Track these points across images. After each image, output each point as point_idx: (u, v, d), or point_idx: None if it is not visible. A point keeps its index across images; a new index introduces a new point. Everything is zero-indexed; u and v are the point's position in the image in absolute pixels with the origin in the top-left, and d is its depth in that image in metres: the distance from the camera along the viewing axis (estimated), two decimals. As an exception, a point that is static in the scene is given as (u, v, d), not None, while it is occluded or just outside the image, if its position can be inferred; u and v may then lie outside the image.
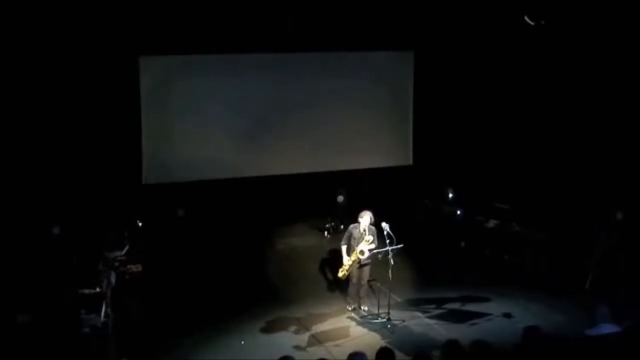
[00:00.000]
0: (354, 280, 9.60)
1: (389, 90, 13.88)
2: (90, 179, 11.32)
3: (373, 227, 9.45)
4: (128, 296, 8.99)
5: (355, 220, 9.60)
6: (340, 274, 9.68)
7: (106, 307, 8.44)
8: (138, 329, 8.74)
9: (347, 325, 9.30)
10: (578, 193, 11.23)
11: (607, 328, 6.11)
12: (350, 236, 9.55)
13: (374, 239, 9.38)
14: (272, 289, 10.50)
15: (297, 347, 8.55)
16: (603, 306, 6.29)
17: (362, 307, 9.70)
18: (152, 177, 12.21)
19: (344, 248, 9.61)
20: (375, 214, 9.53)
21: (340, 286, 10.14)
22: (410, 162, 14.19)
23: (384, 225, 9.21)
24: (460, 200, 12.81)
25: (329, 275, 10.75)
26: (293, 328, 9.20)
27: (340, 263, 9.66)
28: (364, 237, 9.38)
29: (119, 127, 11.58)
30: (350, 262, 9.50)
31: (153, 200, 11.85)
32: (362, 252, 9.36)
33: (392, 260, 9.10)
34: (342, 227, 12.39)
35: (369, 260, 9.48)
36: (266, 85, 12.88)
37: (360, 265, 9.51)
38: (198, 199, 12.20)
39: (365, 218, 9.41)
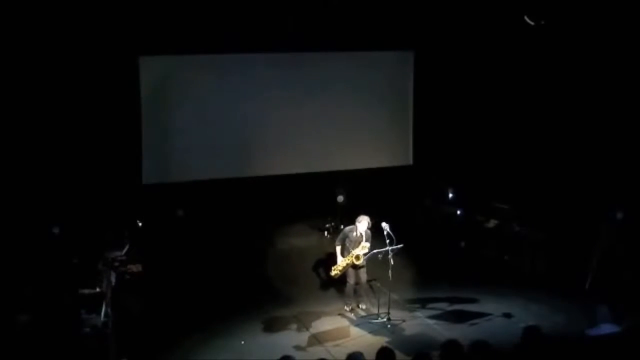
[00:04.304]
0: (351, 280, 9.61)
1: (389, 90, 13.87)
2: (90, 179, 11.32)
3: (369, 232, 9.44)
4: (128, 296, 8.99)
5: (354, 221, 9.59)
6: (332, 273, 9.70)
7: (106, 307, 8.44)
8: (138, 329, 8.74)
9: (347, 325, 9.30)
10: (578, 193, 11.23)
11: (607, 328, 6.12)
12: (345, 238, 9.56)
13: (373, 247, 9.35)
14: (272, 289, 10.50)
15: (297, 347, 8.56)
16: (603, 306, 6.30)
17: (360, 306, 9.71)
18: (152, 177, 12.21)
19: (338, 248, 9.62)
20: (375, 214, 9.53)
21: (341, 286, 10.13)
22: (410, 162, 14.19)
23: (384, 225, 9.21)
24: (460, 200, 12.81)
25: (326, 275, 10.73)
26: (293, 328, 9.21)
27: (335, 262, 9.67)
28: (360, 243, 9.37)
29: (119, 127, 11.57)
30: (344, 264, 9.52)
31: (153, 200, 11.85)
32: (357, 257, 9.37)
33: (392, 260, 9.11)
34: (342, 227, 12.35)
35: (365, 262, 9.48)
36: (266, 85, 12.86)
37: (356, 266, 9.52)
38: (198, 199, 12.19)
39: (363, 223, 9.40)
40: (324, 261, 11.08)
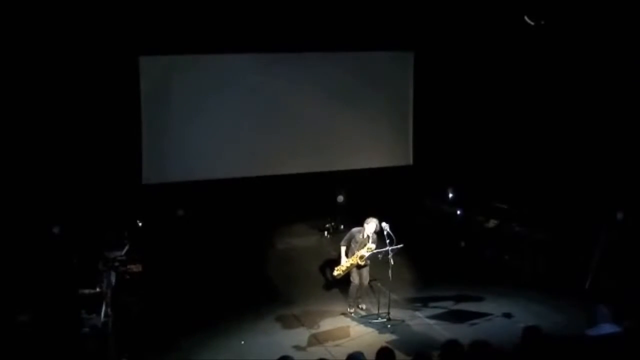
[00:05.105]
0: (356, 280, 9.58)
1: (389, 90, 13.87)
2: (90, 179, 11.31)
3: (375, 235, 9.43)
4: (128, 296, 9.00)
5: (356, 221, 9.57)
6: (335, 273, 9.69)
7: (106, 307, 8.45)
8: (138, 329, 8.74)
9: (347, 325, 9.30)
10: (578, 193, 11.23)
11: (607, 328, 6.11)
12: (352, 239, 9.53)
13: (375, 247, 9.36)
14: (272, 289, 10.51)
15: (297, 347, 8.56)
16: (603, 306, 6.28)
17: (360, 306, 9.71)
18: (152, 177, 12.21)
19: (343, 249, 9.61)
20: (375, 214, 9.53)
21: (340, 286, 10.14)
22: (410, 162, 14.19)
23: (384, 225, 9.21)
24: (460, 200, 12.81)
25: (329, 275, 10.72)
26: (293, 328, 9.22)
27: (338, 263, 9.67)
28: (366, 244, 9.36)
29: (118, 127, 11.58)
30: (348, 264, 9.50)
31: (153, 200, 11.85)
32: (361, 258, 9.35)
33: (392, 260, 9.10)
34: (342, 227, 12.41)
35: (368, 261, 9.48)
36: (266, 85, 12.86)
37: (359, 266, 9.51)
38: (198, 199, 12.19)
39: (371, 225, 9.37)
40: (324, 261, 11.08)
